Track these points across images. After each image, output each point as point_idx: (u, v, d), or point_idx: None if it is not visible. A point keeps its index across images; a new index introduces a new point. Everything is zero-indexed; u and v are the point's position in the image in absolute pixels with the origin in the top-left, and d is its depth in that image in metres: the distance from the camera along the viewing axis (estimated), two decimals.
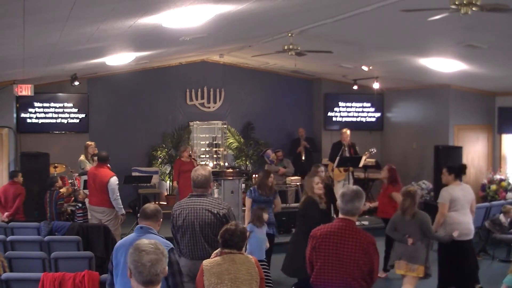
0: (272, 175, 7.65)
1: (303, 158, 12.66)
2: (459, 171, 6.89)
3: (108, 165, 8.43)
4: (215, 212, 4.66)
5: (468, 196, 6.74)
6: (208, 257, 4.10)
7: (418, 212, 6.22)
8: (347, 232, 4.03)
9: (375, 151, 11.04)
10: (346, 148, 11.13)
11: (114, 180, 8.00)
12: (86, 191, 8.97)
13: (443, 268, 6.78)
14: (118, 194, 8.02)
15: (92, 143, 10.17)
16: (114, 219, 8.09)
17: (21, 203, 8.68)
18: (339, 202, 4.13)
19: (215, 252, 4.08)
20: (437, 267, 6.82)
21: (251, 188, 7.51)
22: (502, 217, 8.99)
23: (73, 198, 9.54)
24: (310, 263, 4.18)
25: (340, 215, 4.13)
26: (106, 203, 8.00)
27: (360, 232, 4.08)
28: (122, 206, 8.08)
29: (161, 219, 4.19)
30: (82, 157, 9.97)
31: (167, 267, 2.51)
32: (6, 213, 8.58)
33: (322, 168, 7.89)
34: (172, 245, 4.02)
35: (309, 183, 6.54)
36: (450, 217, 6.61)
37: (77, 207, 8.75)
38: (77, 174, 10.46)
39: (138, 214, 4.15)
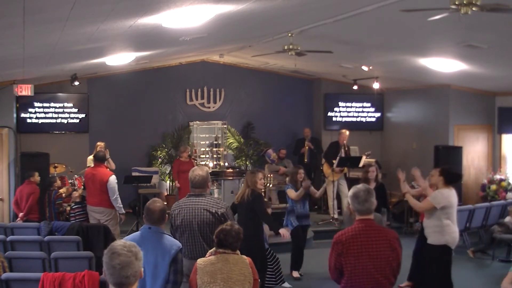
0: (301, 170, 8.00)
1: (306, 159, 12.58)
2: (451, 178, 6.34)
3: (106, 164, 8.43)
4: (214, 211, 4.67)
5: (456, 202, 6.39)
6: None
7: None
8: (372, 231, 3.97)
9: (370, 153, 11.05)
10: (344, 148, 11.13)
11: (113, 179, 8.00)
12: (80, 191, 8.98)
13: (421, 268, 6.58)
14: (117, 193, 8.03)
15: (101, 143, 10.19)
16: (113, 219, 8.09)
17: (33, 203, 8.66)
18: (353, 204, 4.01)
19: (209, 251, 4.11)
20: (421, 267, 6.63)
21: (289, 185, 7.92)
22: (509, 218, 8.99)
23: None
24: (336, 269, 4.05)
25: (358, 217, 4.04)
26: (105, 203, 8.00)
27: (383, 229, 4.06)
28: (122, 206, 8.11)
29: (167, 216, 4.22)
30: (90, 157, 10.00)
31: (142, 269, 2.50)
32: (20, 214, 8.59)
33: (373, 168, 7.99)
34: (181, 245, 4.09)
35: (252, 177, 6.49)
36: (448, 226, 6.22)
37: (73, 206, 8.72)
38: (76, 175, 10.46)
39: (144, 215, 4.14)
